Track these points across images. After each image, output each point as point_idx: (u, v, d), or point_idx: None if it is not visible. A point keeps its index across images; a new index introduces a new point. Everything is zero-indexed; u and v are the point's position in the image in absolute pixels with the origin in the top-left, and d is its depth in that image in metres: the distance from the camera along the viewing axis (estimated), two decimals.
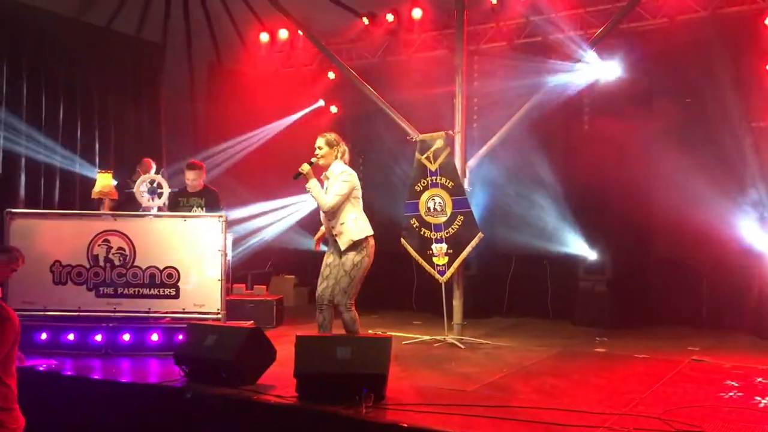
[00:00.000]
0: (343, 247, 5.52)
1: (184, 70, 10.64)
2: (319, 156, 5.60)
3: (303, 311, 9.55)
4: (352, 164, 5.87)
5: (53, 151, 8.45)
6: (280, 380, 5.03)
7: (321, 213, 5.69)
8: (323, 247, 5.89)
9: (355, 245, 5.53)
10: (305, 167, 5.48)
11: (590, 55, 7.56)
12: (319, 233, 5.89)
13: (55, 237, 6.58)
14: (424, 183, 7.42)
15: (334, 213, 5.55)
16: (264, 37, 10.86)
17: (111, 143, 9.24)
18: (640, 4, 8.17)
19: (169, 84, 10.27)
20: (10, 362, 3.81)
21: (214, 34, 10.81)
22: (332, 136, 5.70)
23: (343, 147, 5.71)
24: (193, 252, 6.63)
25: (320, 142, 5.64)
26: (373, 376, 4.64)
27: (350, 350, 4.74)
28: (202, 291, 6.57)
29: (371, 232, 5.63)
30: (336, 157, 5.65)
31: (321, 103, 10.96)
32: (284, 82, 11.12)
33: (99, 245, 6.53)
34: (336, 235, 5.57)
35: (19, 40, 8.26)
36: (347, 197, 5.55)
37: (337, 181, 5.54)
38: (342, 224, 5.54)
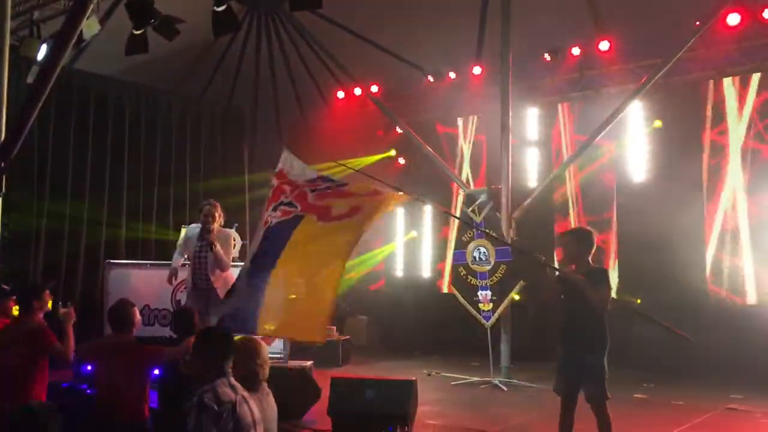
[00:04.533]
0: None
1: (272, 129, 11.66)
2: None
3: (373, 351, 10.18)
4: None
5: (150, 207, 9.52)
6: (321, 416, 5.69)
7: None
8: None
9: None
10: None
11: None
12: None
13: (145, 284, 7.65)
14: (470, 234, 7.96)
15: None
16: (340, 94, 11.73)
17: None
18: None
19: (258, 142, 11.33)
20: None
21: (298, 94, 11.80)
22: None
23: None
24: None
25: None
26: (396, 416, 5.23)
27: (375, 392, 5.36)
28: None
29: None
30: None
31: (392, 152, 11.68)
32: (360, 134, 11.93)
33: (181, 291, 7.51)
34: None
35: (116, 116, 9.20)
36: None
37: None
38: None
